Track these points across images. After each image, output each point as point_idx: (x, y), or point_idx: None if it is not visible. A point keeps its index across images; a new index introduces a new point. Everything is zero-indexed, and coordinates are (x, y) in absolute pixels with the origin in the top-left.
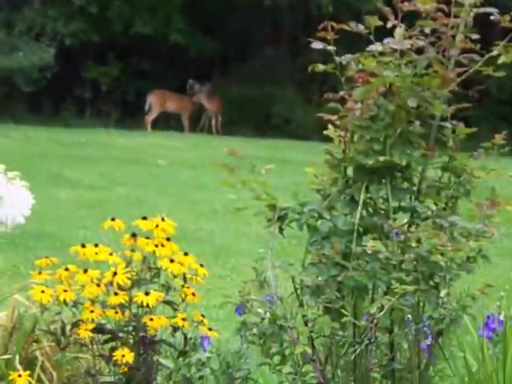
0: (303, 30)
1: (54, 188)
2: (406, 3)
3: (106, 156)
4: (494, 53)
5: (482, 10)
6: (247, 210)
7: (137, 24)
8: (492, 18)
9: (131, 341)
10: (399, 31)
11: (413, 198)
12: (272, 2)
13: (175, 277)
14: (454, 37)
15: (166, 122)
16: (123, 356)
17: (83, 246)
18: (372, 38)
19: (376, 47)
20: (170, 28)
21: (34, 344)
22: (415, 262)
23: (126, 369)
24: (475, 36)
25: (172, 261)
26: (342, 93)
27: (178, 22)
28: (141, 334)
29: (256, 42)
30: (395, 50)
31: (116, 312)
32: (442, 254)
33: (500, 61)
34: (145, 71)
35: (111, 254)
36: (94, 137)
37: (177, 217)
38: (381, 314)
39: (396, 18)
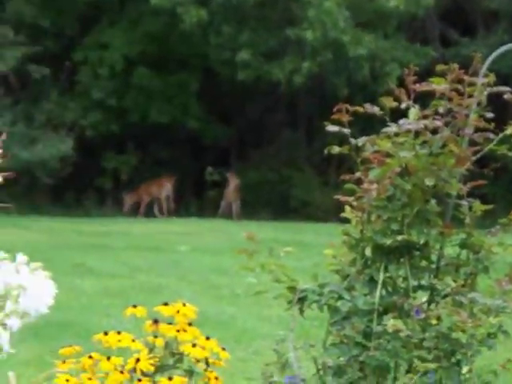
0: (319, 113)
1: (77, 277)
2: (418, 84)
3: (126, 244)
4: (509, 131)
5: (495, 89)
6: (268, 293)
7: (153, 113)
8: (505, 97)
9: None
10: (413, 111)
11: (432, 275)
12: (287, 87)
13: (198, 361)
14: (468, 116)
15: (186, 209)
16: None
17: (105, 333)
18: (387, 118)
19: (391, 128)
20: (186, 115)
21: None
22: (436, 340)
23: None
24: (489, 115)
25: (194, 345)
26: (358, 174)
27: (195, 109)
28: None
29: (272, 127)
30: (409, 131)
31: None
32: (462, 331)
33: None
34: (163, 159)
35: (134, 341)
36: (115, 226)
37: (198, 302)
38: None
39: (409, 99)
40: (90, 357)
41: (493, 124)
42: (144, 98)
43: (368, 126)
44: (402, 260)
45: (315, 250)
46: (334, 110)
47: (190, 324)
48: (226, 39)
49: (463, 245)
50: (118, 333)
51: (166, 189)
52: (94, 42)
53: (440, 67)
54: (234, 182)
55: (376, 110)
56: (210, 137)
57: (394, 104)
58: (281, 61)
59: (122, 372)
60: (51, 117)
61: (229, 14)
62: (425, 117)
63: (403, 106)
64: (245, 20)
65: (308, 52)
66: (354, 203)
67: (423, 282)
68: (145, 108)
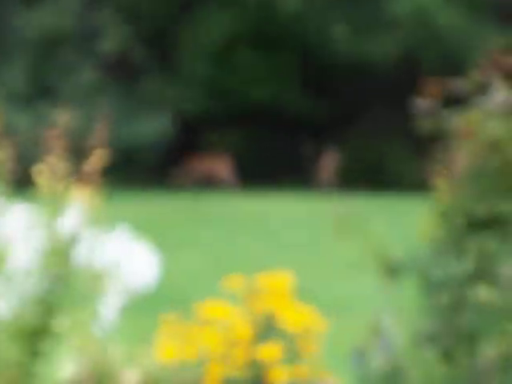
0: (413, 89)
1: (183, 252)
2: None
3: (229, 219)
4: None
5: None
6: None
7: (254, 92)
8: None
9: None
10: (501, 86)
11: None
12: (381, 60)
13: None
14: None
15: (281, 187)
16: None
17: (207, 305)
18: (476, 93)
19: (480, 102)
20: (286, 93)
21: None
22: None
23: None
24: None
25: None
26: (450, 146)
27: (294, 87)
28: None
29: (368, 103)
30: (498, 104)
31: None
32: None
33: None
34: (262, 138)
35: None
36: (218, 201)
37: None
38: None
39: (496, 75)
40: (192, 327)
41: None
42: (245, 77)
43: (458, 100)
44: (492, 230)
45: (409, 221)
46: (424, 84)
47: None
48: (323, 15)
49: None
50: (218, 304)
51: (222, 166)
52: (196, 23)
53: None
54: (331, 158)
55: (464, 84)
56: (308, 114)
57: (482, 79)
58: (375, 35)
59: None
60: (152, 98)
61: None
62: None
63: (490, 80)
64: None
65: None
66: (447, 174)
67: None
68: (246, 87)
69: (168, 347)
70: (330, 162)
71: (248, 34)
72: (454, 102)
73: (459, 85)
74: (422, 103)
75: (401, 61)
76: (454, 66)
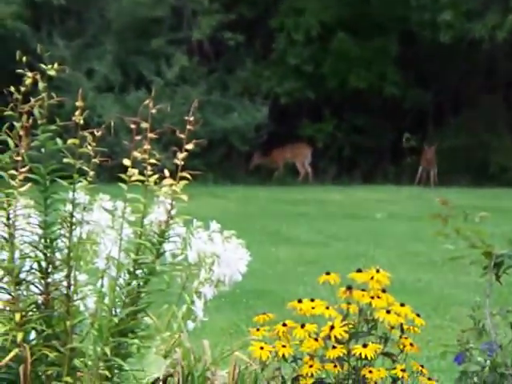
0: None
1: (273, 245)
2: None
3: (323, 212)
4: None
5: None
6: (464, 259)
7: (351, 80)
8: None
9: None
10: None
11: None
12: (489, 43)
13: (392, 328)
14: None
15: (384, 176)
16: None
17: (299, 301)
18: None
19: None
20: (384, 81)
21: None
22: None
23: None
24: None
25: (388, 312)
26: None
27: (393, 74)
28: None
29: (470, 92)
30: None
31: (335, 366)
32: None
33: None
34: (359, 126)
35: (327, 308)
36: (311, 194)
37: (395, 269)
38: None
39: None
40: (284, 324)
41: None
42: (342, 64)
43: None
44: None
45: None
46: None
47: (383, 290)
48: (428, 0)
49: None
50: (312, 300)
51: (304, 155)
52: (290, 8)
53: None
54: (431, 149)
55: None
56: (408, 102)
57: None
58: (483, 18)
59: (316, 339)
60: (246, 85)
61: None
62: None
63: None
64: None
65: None
66: None
67: None
68: (343, 74)
69: (260, 344)
70: (431, 155)
71: (345, 20)
72: None
73: None
74: None
75: (509, 50)
76: None
